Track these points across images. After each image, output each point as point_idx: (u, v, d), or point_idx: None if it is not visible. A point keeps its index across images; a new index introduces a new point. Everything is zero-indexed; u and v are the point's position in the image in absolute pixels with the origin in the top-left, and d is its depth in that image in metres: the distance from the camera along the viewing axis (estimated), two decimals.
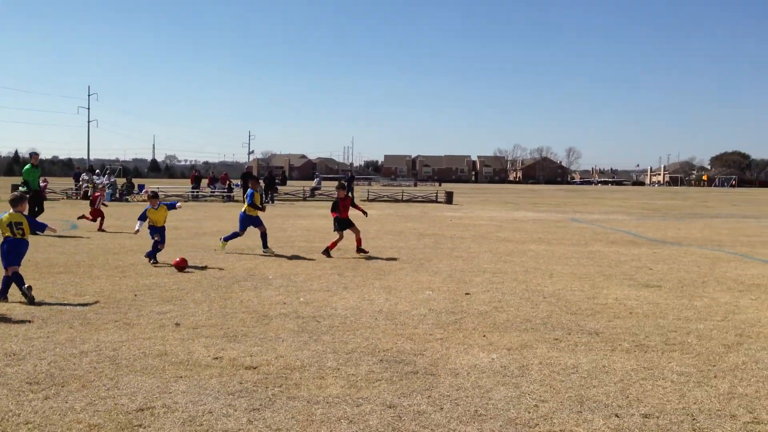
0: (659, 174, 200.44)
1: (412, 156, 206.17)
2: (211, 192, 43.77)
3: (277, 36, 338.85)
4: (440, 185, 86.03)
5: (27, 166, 19.81)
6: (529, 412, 5.14)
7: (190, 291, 10.05)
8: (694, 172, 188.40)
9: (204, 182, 46.86)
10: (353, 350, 6.85)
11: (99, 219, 19.89)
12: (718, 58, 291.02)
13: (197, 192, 43.70)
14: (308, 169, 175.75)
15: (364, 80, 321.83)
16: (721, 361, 6.66)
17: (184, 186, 50.57)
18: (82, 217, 20.39)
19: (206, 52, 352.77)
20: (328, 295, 9.85)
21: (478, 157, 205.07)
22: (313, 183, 52.37)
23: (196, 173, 47.90)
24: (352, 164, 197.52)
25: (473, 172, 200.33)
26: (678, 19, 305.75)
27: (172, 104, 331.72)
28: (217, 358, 6.46)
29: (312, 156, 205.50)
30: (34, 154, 20.21)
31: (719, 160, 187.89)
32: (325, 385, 5.72)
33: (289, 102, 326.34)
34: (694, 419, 5.06)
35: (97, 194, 21.44)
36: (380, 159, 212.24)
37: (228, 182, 45.66)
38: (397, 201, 44.59)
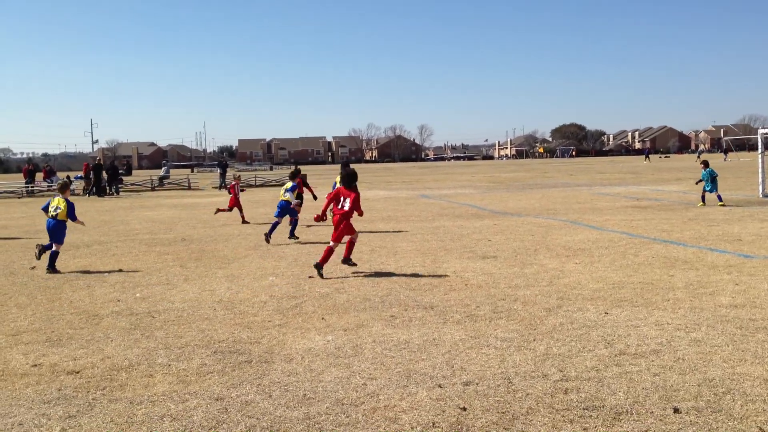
0: (506, 148, 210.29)
1: (267, 139, 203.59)
2: (48, 186, 41.04)
3: (122, 11, 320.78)
4: (297, 167, 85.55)
5: None
6: (357, 391, 5.25)
7: (13, 295, 9.40)
8: (538, 144, 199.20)
9: (39, 176, 43.82)
10: (187, 344, 6.69)
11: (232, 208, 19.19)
12: (556, 33, 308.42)
13: (32, 187, 40.82)
14: (158, 157, 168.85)
15: (214, 62, 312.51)
16: (542, 325, 7.11)
17: (17, 181, 47.01)
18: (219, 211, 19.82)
19: (38, 36, 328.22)
20: (167, 289, 9.55)
21: (334, 137, 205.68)
22: (161, 172, 50.42)
23: (29, 167, 44.70)
24: (205, 150, 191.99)
25: (329, 153, 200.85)
26: None
27: (2, 92, 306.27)
28: (36, 365, 6.09)
29: (162, 143, 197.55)
30: None
31: (559, 132, 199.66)
32: (152, 383, 5.55)
33: (134, 87, 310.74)
34: (510, 382, 5.38)
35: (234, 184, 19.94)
36: (234, 144, 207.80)
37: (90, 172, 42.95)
38: (251, 186, 43.86)
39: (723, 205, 19.61)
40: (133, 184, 45.88)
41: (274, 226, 14.74)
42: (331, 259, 10.45)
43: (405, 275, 10.17)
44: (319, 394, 5.21)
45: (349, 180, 10.85)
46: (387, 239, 14.49)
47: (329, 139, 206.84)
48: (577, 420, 4.61)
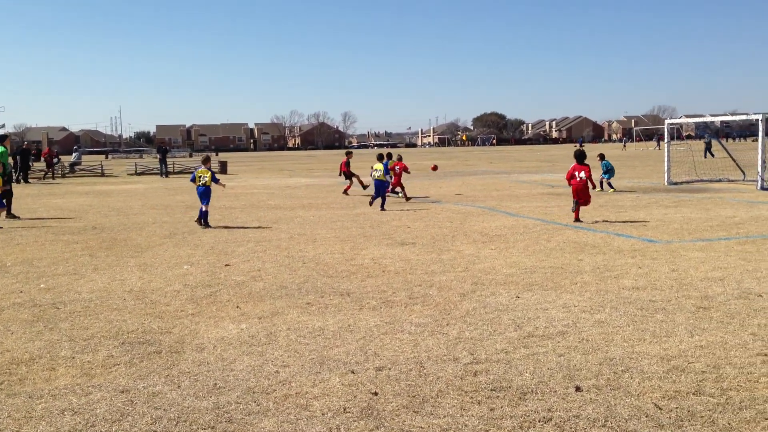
0: (429, 136, 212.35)
1: (187, 126, 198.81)
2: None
3: None
4: (217, 155, 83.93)
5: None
6: (269, 379, 5.21)
7: None
8: (460, 132, 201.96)
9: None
10: (93, 336, 6.48)
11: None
12: (477, 22, 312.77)
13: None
14: (71, 143, 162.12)
15: (129, 45, 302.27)
16: (456, 309, 7.23)
17: None
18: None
19: None
20: (74, 279, 9.21)
21: (256, 124, 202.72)
22: (72, 158, 48.46)
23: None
24: (121, 136, 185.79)
25: (252, 140, 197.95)
26: None
27: None
28: None
29: (74, 128, 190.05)
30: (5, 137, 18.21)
31: (480, 121, 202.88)
32: (54, 376, 5.35)
33: (44, 69, 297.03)
34: (421, 366, 5.45)
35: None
36: (152, 130, 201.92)
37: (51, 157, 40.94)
38: (169, 173, 42.75)
39: (614, 191, 21.17)
40: (41, 171, 43.94)
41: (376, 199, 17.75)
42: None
43: (323, 262, 10.15)
44: (230, 383, 5.15)
45: None
46: (306, 227, 14.41)
47: (251, 126, 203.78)
48: (485, 401, 4.72)
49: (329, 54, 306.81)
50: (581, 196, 14.16)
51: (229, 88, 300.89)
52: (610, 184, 21.95)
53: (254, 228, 14.33)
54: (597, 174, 19.28)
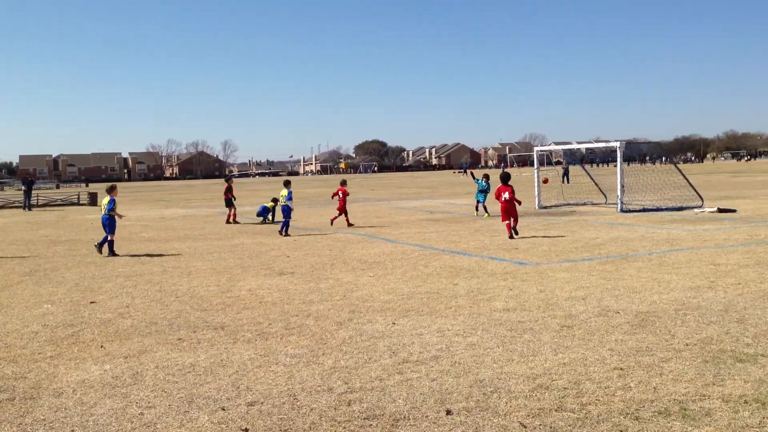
0: (311, 164, 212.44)
1: (54, 155, 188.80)
2: None
3: None
4: (87, 186, 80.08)
5: None
6: (132, 422, 4.95)
7: None
8: (342, 160, 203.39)
9: None
10: None
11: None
12: (356, 52, 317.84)
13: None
14: None
15: None
16: (332, 339, 7.19)
17: None
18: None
19: None
20: None
21: (130, 153, 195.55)
22: None
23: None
24: None
25: (126, 170, 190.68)
26: (303, 24, 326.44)
27: None
28: None
29: None
30: None
31: (362, 149, 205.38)
32: None
33: None
34: (295, 398, 5.36)
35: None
36: (15, 160, 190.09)
37: None
38: (32, 207, 40.27)
39: (489, 216, 21.63)
40: None
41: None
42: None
43: (197, 296, 9.84)
44: (89, 428, 4.85)
45: None
46: (181, 259, 13.96)
47: (125, 155, 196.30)
48: (358, 430, 4.70)
49: (207, 81, 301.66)
50: (511, 214, 15.54)
51: (100, 116, 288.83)
52: (485, 208, 22.41)
53: (124, 262, 13.72)
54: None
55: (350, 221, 20.53)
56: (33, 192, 40.79)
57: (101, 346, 7.15)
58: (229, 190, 23.44)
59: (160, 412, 5.17)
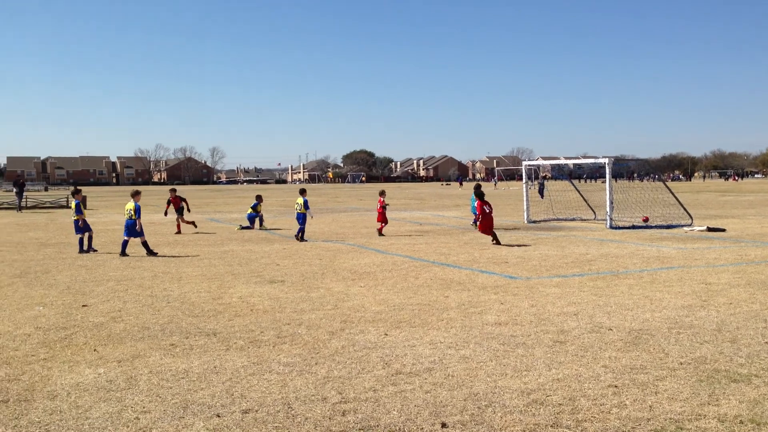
0: (299, 172, 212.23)
1: (42, 158, 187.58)
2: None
3: None
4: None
5: None
6: (128, 426, 4.96)
7: None
8: (330, 169, 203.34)
9: None
10: None
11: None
12: (347, 61, 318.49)
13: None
14: None
15: None
16: (324, 348, 7.21)
17: None
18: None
19: None
20: None
21: (119, 157, 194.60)
22: None
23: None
24: None
25: (114, 174, 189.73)
26: (285, 35, 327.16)
27: None
28: None
29: None
30: None
31: (350, 158, 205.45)
32: None
33: None
34: (289, 407, 5.38)
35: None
36: (2, 161, 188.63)
37: None
38: (21, 208, 39.98)
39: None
40: None
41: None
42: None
43: (188, 302, 9.83)
44: None
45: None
46: (171, 264, 13.93)
47: (113, 159, 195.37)
48: None
49: (197, 87, 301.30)
50: (489, 226, 17.50)
51: (89, 119, 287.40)
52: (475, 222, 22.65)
53: (115, 266, 13.67)
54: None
55: (382, 230, 20.54)
56: (23, 194, 40.75)
57: (94, 350, 7.13)
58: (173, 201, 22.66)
59: (155, 417, 5.17)
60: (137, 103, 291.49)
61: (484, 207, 17.69)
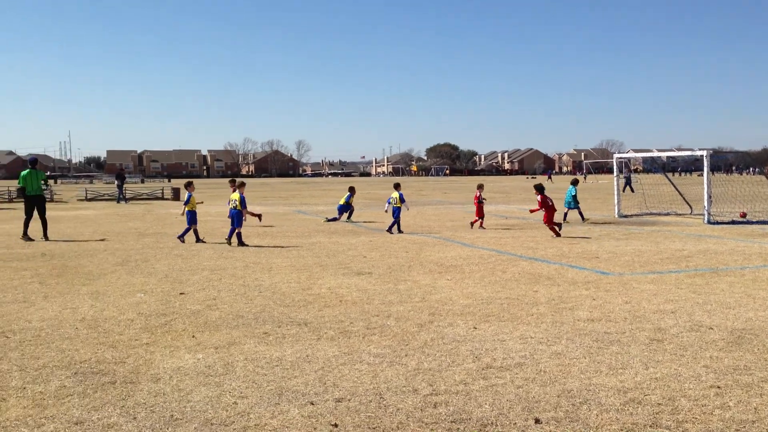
0: (383, 165, 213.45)
1: (138, 151, 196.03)
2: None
3: None
4: (170, 181, 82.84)
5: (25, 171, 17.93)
6: (227, 410, 5.13)
7: None
8: (413, 162, 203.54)
9: None
10: (45, 365, 6.29)
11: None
12: (430, 55, 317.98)
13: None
14: (18, 167, 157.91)
15: (79, 69, 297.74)
16: (414, 340, 7.24)
17: None
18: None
19: None
20: (24, 307, 8.95)
21: (209, 151, 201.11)
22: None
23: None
24: (70, 161, 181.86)
25: (205, 167, 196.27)
26: (367, 24, 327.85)
27: None
28: None
29: (22, 152, 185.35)
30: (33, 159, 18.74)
31: (433, 152, 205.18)
32: (4, 408, 5.17)
33: None
34: (381, 397, 5.44)
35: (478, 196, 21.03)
36: (103, 155, 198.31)
37: None
38: (127, 200, 41.96)
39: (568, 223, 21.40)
40: None
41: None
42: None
43: (279, 292, 10.07)
44: (187, 414, 5.05)
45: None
46: (261, 255, 14.30)
47: (204, 152, 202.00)
48: None
49: (283, 81, 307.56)
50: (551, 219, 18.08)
51: (182, 115, 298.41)
52: (580, 214, 22.31)
53: (209, 256, 14.15)
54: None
55: (482, 224, 20.41)
56: (132, 186, 42.77)
57: (193, 336, 7.41)
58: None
59: (252, 402, 5.33)
60: (227, 97, 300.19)
61: (547, 200, 18.11)
